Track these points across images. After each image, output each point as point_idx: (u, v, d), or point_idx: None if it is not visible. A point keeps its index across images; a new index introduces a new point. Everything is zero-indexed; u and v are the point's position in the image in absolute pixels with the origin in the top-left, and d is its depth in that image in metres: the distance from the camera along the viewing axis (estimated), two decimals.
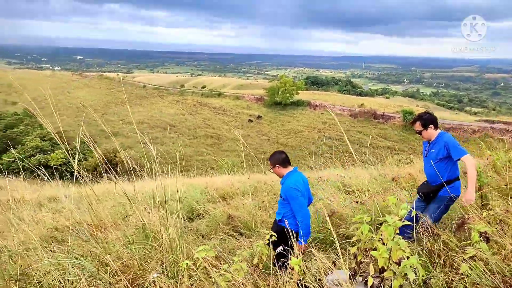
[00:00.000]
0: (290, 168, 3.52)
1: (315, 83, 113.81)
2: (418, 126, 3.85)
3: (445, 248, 2.81)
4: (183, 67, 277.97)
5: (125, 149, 43.55)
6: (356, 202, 4.24)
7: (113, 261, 2.73)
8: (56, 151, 42.76)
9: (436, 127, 3.84)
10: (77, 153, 3.46)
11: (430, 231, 3.00)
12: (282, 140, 49.27)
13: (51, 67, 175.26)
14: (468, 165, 3.41)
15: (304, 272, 2.40)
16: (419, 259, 2.38)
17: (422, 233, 3.00)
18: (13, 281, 2.74)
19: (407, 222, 2.34)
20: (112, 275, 2.59)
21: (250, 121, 56.28)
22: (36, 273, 2.75)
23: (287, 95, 58.42)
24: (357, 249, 2.37)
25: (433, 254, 2.84)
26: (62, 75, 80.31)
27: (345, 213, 4.07)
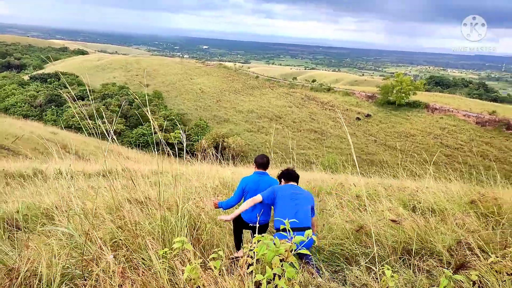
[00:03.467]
0: (258, 170, 4.19)
1: (439, 84, 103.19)
2: None
3: None
4: (298, 60, 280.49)
5: (233, 135, 46.69)
6: (393, 221, 3.86)
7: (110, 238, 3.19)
8: (175, 131, 48.08)
9: (286, 180, 4.02)
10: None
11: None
12: (390, 142, 46.34)
13: (181, 55, 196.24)
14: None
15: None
16: None
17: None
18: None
19: (304, 251, 2.41)
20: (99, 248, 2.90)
21: (358, 119, 54.20)
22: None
23: (403, 95, 54.37)
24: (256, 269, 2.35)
25: None
26: (188, 63, 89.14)
27: (377, 232, 3.71)
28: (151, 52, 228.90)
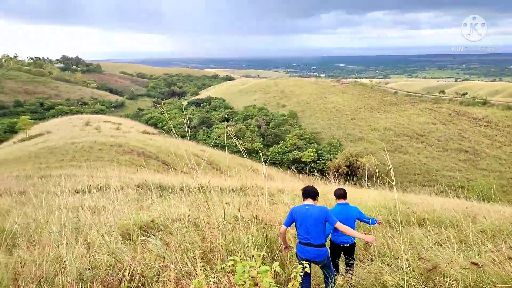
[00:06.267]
0: (339, 201, 4.91)
1: None
2: None
3: None
4: (447, 71, 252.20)
5: (367, 154, 44.79)
6: (473, 263, 3.30)
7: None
8: (308, 149, 49.07)
9: (303, 198, 4.41)
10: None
11: None
12: None
13: (317, 75, 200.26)
14: None
15: None
16: None
17: None
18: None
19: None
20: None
21: None
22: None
23: None
24: None
25: None
26: (323, 82, 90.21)
27: (451, 274, 3.22)
28: (289, 73, 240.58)
